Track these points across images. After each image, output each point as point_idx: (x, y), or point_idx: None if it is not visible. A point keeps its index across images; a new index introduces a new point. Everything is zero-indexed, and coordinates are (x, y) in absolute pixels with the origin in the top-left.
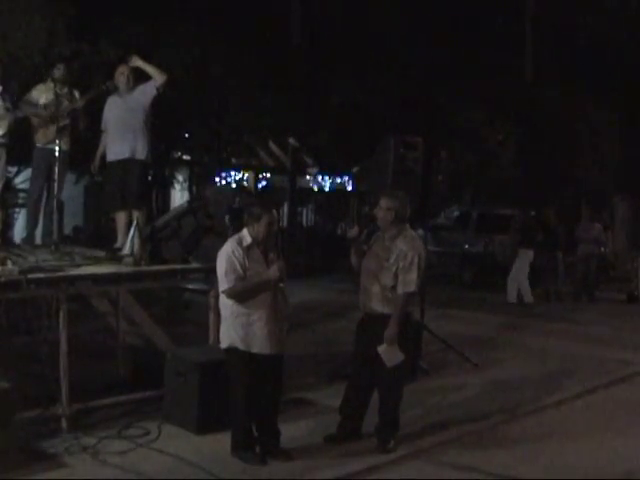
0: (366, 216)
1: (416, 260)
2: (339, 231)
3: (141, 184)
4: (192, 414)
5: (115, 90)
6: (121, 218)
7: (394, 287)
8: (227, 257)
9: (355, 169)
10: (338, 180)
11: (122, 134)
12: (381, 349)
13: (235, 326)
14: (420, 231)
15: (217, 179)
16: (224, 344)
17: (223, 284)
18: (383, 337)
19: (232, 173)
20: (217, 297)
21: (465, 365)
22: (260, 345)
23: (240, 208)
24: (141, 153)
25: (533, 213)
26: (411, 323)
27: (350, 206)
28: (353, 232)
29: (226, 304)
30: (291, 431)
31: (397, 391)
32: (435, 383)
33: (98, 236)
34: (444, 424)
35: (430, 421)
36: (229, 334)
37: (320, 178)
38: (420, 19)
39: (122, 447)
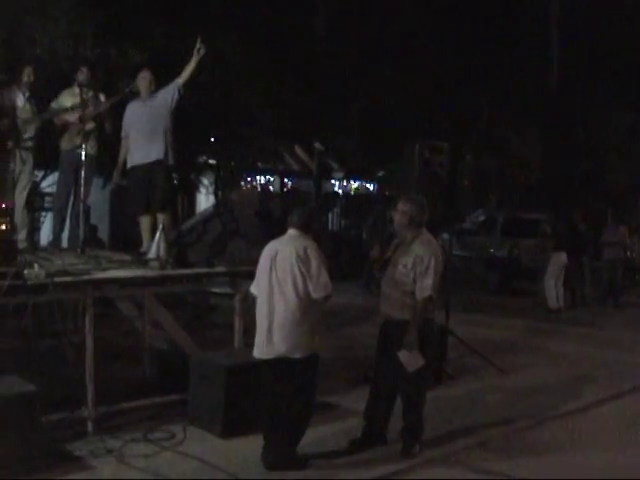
0: (390, 220)
1: (433, 264)
2: (364, 235)
3: (166, 188)
4: (217, 417)
5: (137, 94)
6: (146, 222)
7: (413, 293)
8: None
9: (381, 173)
10: (364, 184)
11: (146, 138)
12: (401, 355)
13: (318, 332)
14: (445, 235)
15: (243, 183)
16: (307, 351)
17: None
18: (403, 343)
19: (258, 177)
20: (242, 300)
21: (490, 370)
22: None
23: (268, 212)
24: (165, 157)
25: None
26: (433, 328)
27: (375, 210)
28: (375, 252)
29: (314, 310)
30: (316, 435)
31: (420, 396)
32: (460, 388)
33: (123, 240)
34: (469, 429)
35: (455, 426)
36: (313, 340)
37: (346, 182)
38: (447, 23)
39: (147, 450)
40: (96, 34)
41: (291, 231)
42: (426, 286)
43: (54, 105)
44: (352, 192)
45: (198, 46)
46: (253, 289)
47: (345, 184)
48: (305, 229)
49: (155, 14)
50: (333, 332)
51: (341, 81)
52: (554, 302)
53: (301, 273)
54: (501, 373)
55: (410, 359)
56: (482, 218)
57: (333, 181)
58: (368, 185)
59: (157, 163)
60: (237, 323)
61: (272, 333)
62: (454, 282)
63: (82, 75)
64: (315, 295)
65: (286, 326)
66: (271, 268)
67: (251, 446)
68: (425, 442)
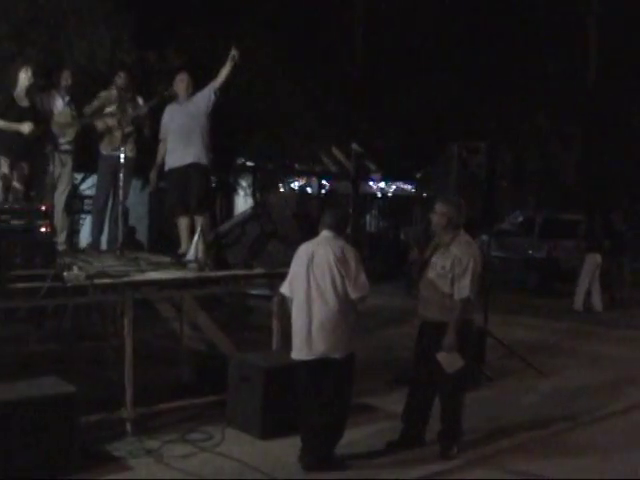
0: (428, 222)
1: (471, 265)
2: (402, 237)
3: (203, 190)
4: (256, 419)
5: (174, 97)
6: (184, 224)
7: (452, 294)
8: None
9: (419, 174)
10: (402, 186)
11: (183, 141)
12: (440, 356)
13: (355, 332)
14: (484, 236)
15: (281, 185)
16: (345, 351)
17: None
18: (442, 344)
19: (296, 179)
20: (280, 302)
21: (529, 372)
22: None
23: (306, 214)
24: (202, 159)
25: (599, 217)
26: (472, 329)
27: (413, 212)
28: (414, 255)
29: (352, 310)
30: (353, 436)
31: (458, 398)
32: (498, 390)
33: (162, 241)
34: (507, 431)
35: (493, 428)
36: (351, 340)
37: (383, 184)
38: (483, 23)
39: (185, 451)
40: (134, 38)
41: (325, 232)
42: (464, 287)
43: (92, 107)
44: (390, 193)
45: (232, 52)
46: (284, 290)
47: (383, 185)
48: (339, 230)
49: (193, 18)
50: (371, 333)
51: (379, 82)
52: (579, 305)
53: (340, 274)
54: (540, 375)
55: (449, 360)
56: (521, 219)
57: (371, 182)
58: (406, 186)
59: (194, 166)
60: (275, 325)
61: (311, 334)
62: (493, 283)
63: (120, 79)
64: (353, 295)
65: (326, 326)
66: (308, 270)
67: (289, 447)
68: (463, 444)
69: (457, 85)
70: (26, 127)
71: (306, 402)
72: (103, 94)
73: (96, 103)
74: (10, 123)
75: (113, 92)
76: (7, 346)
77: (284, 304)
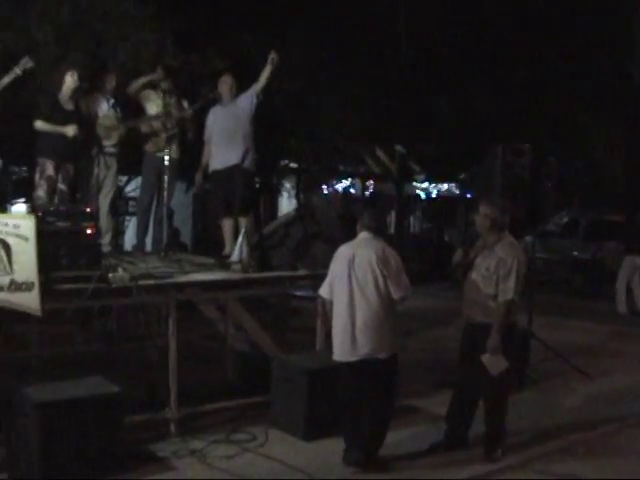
0: (472, 223)
1: (515, 267)
2: (446, 238)
3: (247, 191)
4: (299, 420)
5: (218, 100)
6: (228, 225)
7: (496, 296)
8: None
9: (463, 176)
10: (446, 187)
11: (227, 143)
12: (484, 358)
13: (398, 332)
14: (529, 238)
15: (324, 187)
16: (390, 351)
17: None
18: (486, 346)
19: (339, 180)
20: (324, 303)
21: (574, 374)
22: None
23: (350, 215)
24: (246, 161)
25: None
26: (516, 331)
27: (457, 213)
28: (457, 256)
29: (394, 310)
30: (397, 438)
31: (502, 400)
32: (543, 392)
33: (206, 243)
34: (552, 433)
35: (538, 430)
36: (394, 340)
37: (427, 185)
38: (527, 23)
39: (229, 451)
40: (177, 41)
41: (364, 234)
42: (508, 289)
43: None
44: (434, 195)
45: (272, 55)
46: (323, 292)
47: (427, 186)
48: (378, 231)
49: (236, 20)
50: (416, 335)
51: (423, 82)
52: (622, 307)
53: (382, 274)
54: (585, 377)
55: (493, 362)
56: (565, 220)
57: (415, 183)
58: (450, 187)
59: (237, 167)
60: (319, 326)
61: (355, 335)
62: (537, 285)
63: (166, 82)
64: (396, 295)
65: (369, 327)
66: (350, 271)
67: (333, 448)
68: (508, 447)
69: (501, 86)
70: (70, 130)
71: (350, 403)
72: (149, 97)
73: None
74: (55, 126)
75: (158, 95)
76: (53, 346)
77: (326, 305)
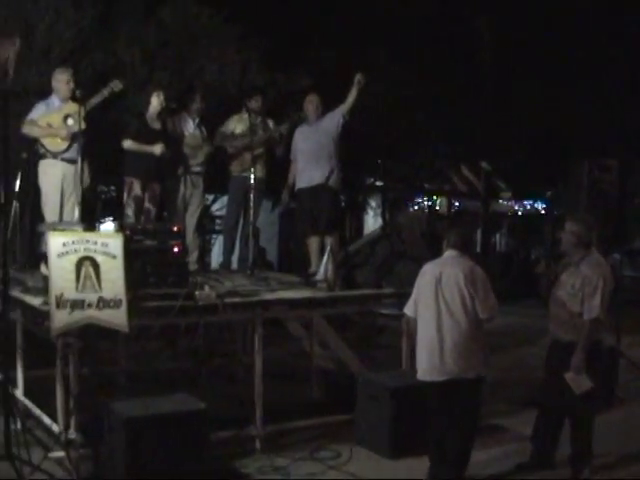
0: (558, 241)
1: (600, 285)
2: (533, 256)
3: (333, 210)
4: (384, 438)
5: (304, 119)
6: (314, 244)
7: (582, 314)
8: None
9: (549, 193)
10: (532, 204)
11: (312, 162)
12: (568, 377)
13: (485, 351)
14: (616, 255)
15: (410, 204)
16: (477, 371)
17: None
18: (570, 365)
19: (425, 198)
20: (408, 322)
21: None
22: None
23: (435, 233)
24: (332, 180)
25: None
26: (601, 350)
27: (544, 231)
28: (540, 267)
29: (481, 329)
30: (483, 457)
31: (588, 420)
32: (632, 412)
33: (292, 261)
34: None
35: (626, 451)
36: (482, 359)
37: (513, 202)
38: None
39: (314, 469)
40: (263, 60)
41: (450, 252)
42: (594, 307)
43: (223, 130)
44: (519, 212)
45: (357, 77)
46: (408, 310)
47: (513, 204)
48: (464, 249)
49: (320, 39)
50: (503, 353)
51: (507, 100)
52: None
53: (470, 294)
54: None
55: (577, 382)
56: None
57: (501, 201)
58: (537, 205)
59: (322, 186)
60: (404, 344)
61: (443, 355)
62: (625, 303)
63: (253, 102)
64: (483, 315)
65: (459, 347)
66: (436, 290)
67: (417, 467)
68: (595, 467)
69: (587, 100)
70: (158, 148)
71: (435, 422)
72: (235, 117)
73: (229, 125)
74: (142, 145)
75: (244, 115)
76: (140, 363)
77: (410, 323)
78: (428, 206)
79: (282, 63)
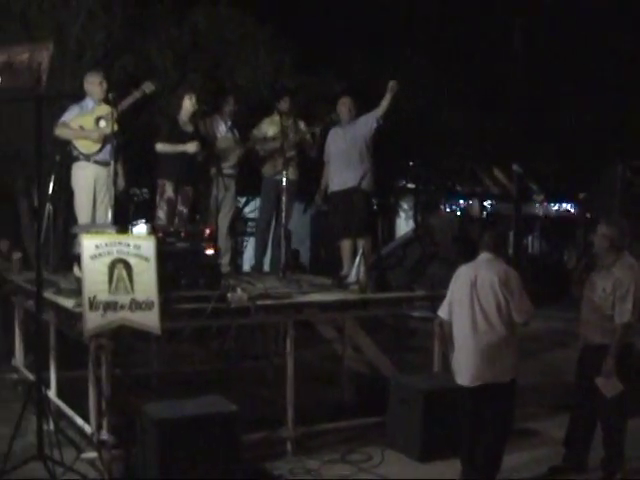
0: (590, 244)
1: (632, 288)
2: (565, 259)
3: (365, 213)
4: (416, 441)
5: (337, 121)
6: (346, 246)
7: (613, 317)
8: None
9: (582, 195)
10: (565, 207)
11: (345, 165)
12: (599, 381)
13: (518, 355)
14: None
15: (442, 207)
16: (511, 375)
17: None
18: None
19: (457, 201)
20: (442, 325)
21: None
22: None
23: (468, 236)
24: (364, 183)
25: None
26: (632, 354)
27: (577, 233)
28: (572, 263)
29: (516, 333)
30: (515, 461)
31: (620, 424)
32: None
33: (324, 264)
34: None
35: None
36: (515, 363)
37: (546, 205)
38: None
39: (345, 471)
40: (295, 63)
41: (485, 254)
42: (625, 311)
43: (256, 133)
44: (552, 216)
45: (391, 84)
46: (442, 313)
47: (546, 206)
48: (498, 251)
49: (352, 41)
50: (536, 357)
51: (540, 101)
52: None
53: (504, 297)
54: None
55: (608, 385)
56: None
57: (533, 203)
58: (569, 207)
59: (355, 189)
60: (436, 347)
61: (478, 359)
62: None
63: (285, 104)
64: (518, 319)
65: (494, 351)
66: (471, 293)
67: (449, 470)
68: (628, 471)
69: (621, 102)
70: (192, 147)
71: (467, 426)
72: (267, 120)
73: (261, 128)
74: (176, 145)
75: (275, 118)
76: (173, 365)
77: (444, 326)
78: (460, 209)
79: (313, 66)
